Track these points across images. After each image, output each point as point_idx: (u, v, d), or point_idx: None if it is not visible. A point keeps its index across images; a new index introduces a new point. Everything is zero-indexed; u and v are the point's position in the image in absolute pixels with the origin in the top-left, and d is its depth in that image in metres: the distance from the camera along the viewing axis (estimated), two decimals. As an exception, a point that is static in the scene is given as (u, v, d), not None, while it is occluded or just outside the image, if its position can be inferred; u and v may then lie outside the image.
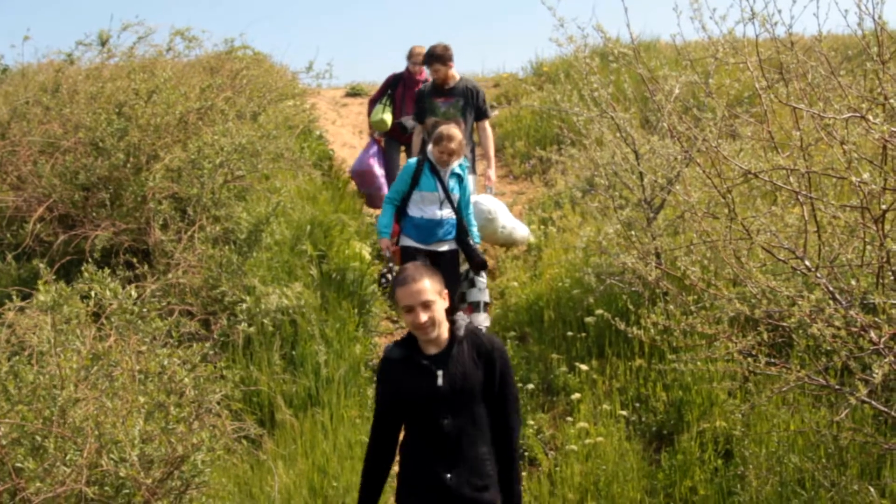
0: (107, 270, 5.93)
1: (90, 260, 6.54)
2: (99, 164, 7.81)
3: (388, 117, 10.54)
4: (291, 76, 13.49)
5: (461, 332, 4.32)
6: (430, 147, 7.70)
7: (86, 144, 8.06)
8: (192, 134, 8.49)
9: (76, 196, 7.84)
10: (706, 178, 5.86)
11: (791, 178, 5.37)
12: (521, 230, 9.76)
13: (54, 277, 5.73)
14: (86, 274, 5.77)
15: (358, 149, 14.16)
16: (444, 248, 7.74)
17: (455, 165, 7.65)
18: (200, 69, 10.94)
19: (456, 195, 7.71)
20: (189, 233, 7.63)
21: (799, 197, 5.39)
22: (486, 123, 9.60)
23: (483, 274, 8.11)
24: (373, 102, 10.86)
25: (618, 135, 7.83)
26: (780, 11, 5.26)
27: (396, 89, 10.66)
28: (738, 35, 6.00)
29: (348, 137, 14.73)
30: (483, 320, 8.03)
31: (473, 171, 9.36)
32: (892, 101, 4.79)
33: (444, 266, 7.42)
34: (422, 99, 9.44)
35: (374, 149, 10.80)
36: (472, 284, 8.14)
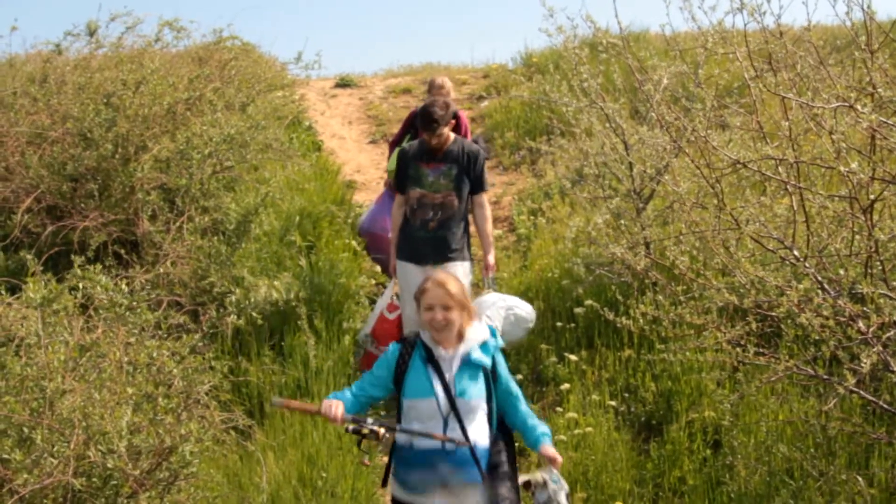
0: (98, 266, 5.91)
1: (80, 254, 6.52)
2: (87, 154, 7.78)
3: None
4: (280, 67, 13.47)
5: None
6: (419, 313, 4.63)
7: (74, 135, 8.03)
8: (181, 124, 8.47)
9: (64, 187, 7.80)
10: (695, 168, 5.87)
11: (780, 168, 5.38)
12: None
13: (42, 268, 5.71)
14: (76, 269, 5.75)
15: (347, 140, 14.18)
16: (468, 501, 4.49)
17: (472, 346, 4.55)
18: (189, 60, 10.90)
19: (476, 401, 4.50)
20: (178, 224, 7.61)
21: (788, 187, 5.40)
22: (484, 198, 7.33)
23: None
24: (393, 145, 8.92)
25: (607, 125, 7.83)
26: (768, 1, 5.27)
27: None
28: (727, 25, 6.00)
29: (337, 128, 14.72)
30: None
31: (469, 256, 7.30)
32: (880, 90, 4.79)
33: None
34: (405, 162, 7.22)
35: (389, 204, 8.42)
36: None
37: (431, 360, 4.53)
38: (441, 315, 4.47)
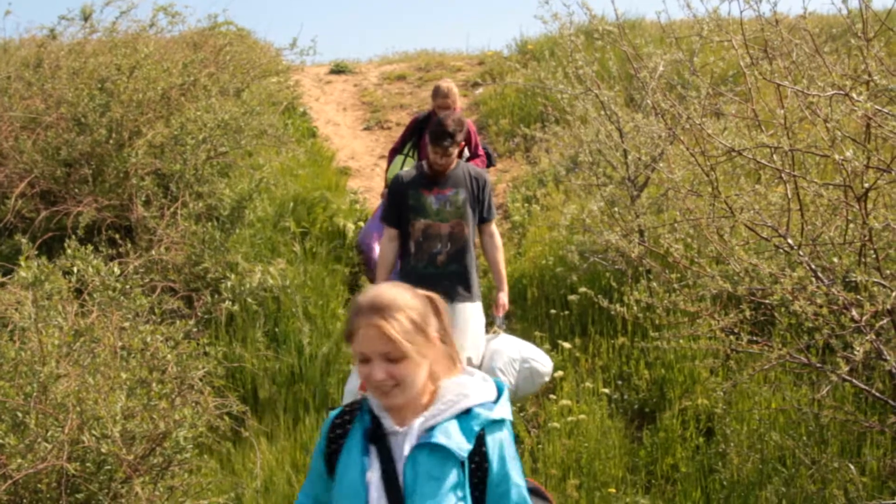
0: (90, 247, 5.90)
1: (73, 236, 6.51)
2: (81, 139, 7.76)
3: None
4: (275, 52, 13.46)
5: None
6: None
7: (68, 120, 8.00)
8: (175, 110, 8.45)
9: (58, 172, 7.79)
10: (690, 155, 5.87)
11: (775, 157, 5.37)
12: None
13: (36, 253, 5.70)
14: (68, 250, 5.74)
15: (342, 126, 14.15)
16: None
17: (441, 417, 2.66)
18: (183, 45, 10.88)
19: None
20: (172, 209, 7.59)
21: (782, 175, 5.39)
22: (494, 227, 6.48)
23: None
24: (393, 153, 8.39)
25: (602, 112, 7.82)
26: (764, -11, 5.27)
27: (422, 136, 7.97)
28: (722, 13, 5.99)
29: (332, 114, 14.69)
30: None
31: (480, 294, 6.38)
32: (875, 78, 4.79)
33: None
34: (400, 191, 6.21)
35: None
36: None
37: (375, 438, 2.68)
38: (382, 372, 2.56)
